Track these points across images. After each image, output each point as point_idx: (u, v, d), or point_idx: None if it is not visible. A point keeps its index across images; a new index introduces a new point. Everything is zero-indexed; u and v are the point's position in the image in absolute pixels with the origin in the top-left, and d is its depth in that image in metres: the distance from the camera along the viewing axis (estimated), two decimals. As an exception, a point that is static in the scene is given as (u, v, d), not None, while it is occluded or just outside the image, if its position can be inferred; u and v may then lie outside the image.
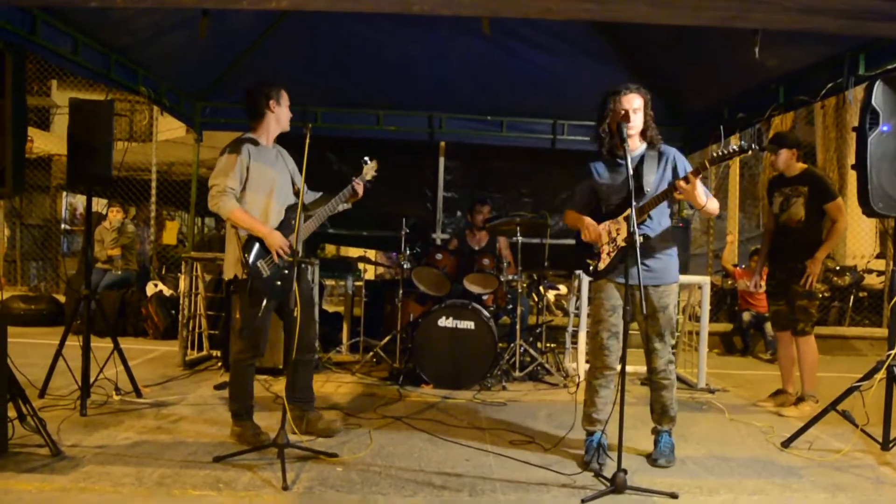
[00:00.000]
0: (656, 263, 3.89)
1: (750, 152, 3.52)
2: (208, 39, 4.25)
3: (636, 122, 3.83)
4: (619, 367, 3.83)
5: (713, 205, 3.79)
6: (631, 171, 3.56)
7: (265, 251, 3.98)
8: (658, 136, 3.93)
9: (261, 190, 4.03)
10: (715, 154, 3.54)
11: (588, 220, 3.97)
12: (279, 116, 4.16)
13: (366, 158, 4.29)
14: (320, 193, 4.34)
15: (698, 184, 3.62)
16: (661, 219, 3.92)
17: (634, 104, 3.82)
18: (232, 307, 5.95)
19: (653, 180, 3.83)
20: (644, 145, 3.93)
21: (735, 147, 3.47)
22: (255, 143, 4.08)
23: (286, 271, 4.02)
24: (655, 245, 3.88)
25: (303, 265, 4.23)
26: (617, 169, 3.91)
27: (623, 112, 3.76)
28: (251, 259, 3.92)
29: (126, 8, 4.60)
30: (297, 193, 4.27)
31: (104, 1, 3.37)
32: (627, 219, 3.60)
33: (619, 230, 3.87)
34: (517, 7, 3.54)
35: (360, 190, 4.22)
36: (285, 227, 4.07)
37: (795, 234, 5.23)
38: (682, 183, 3.61)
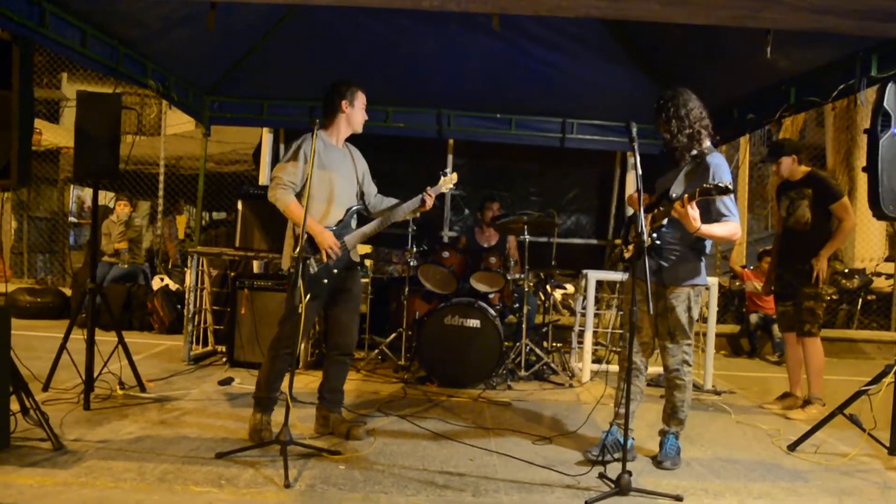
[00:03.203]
0: (669, 264, 3.90)
1: (727, 195, 3.52)
2: (217, 33, 4.24)
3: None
4: (636, 362, 4.00)
5: (718, 230, 3.73)
6: (640, 172, 3.57)
7: (315, 248, 3.97)
8: (700, 137, 3.86)
9: (321, 189, 4.00)
10: (705, 186, 3.51)
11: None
12: (350, 117, 4.14)
13: (445, 171, 4.28)
14: (395, 200, 4.30)
15: (690, 211, 3.56)
16: (682, 227, 3.83)
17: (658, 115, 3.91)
18: (238, 302, 6.03)
19: (681, 191, 3.81)
20: (695, 152, 3.91)
21: (720, 185, 3.44)
22: (324, 141, 4.07)
23: (335, 271, 4.04)
24: (671, 247, 3.88)
25: (356, 268, 4.23)
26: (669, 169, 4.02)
27: None
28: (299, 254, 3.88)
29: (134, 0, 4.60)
30: (361, 195, 4.28)
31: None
32: (634, 218, 3.67)
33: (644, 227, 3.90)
34: (528, 4, 3.52)
35: (429, 202, 4.18)
36: (343, 227, 4.08)
37: (803, 236, 5.21)
38: (677, 205, 3.62)
